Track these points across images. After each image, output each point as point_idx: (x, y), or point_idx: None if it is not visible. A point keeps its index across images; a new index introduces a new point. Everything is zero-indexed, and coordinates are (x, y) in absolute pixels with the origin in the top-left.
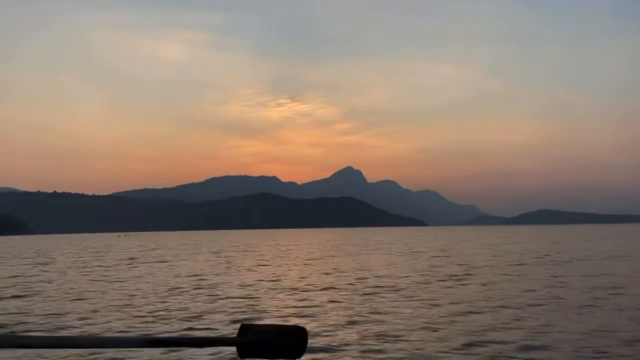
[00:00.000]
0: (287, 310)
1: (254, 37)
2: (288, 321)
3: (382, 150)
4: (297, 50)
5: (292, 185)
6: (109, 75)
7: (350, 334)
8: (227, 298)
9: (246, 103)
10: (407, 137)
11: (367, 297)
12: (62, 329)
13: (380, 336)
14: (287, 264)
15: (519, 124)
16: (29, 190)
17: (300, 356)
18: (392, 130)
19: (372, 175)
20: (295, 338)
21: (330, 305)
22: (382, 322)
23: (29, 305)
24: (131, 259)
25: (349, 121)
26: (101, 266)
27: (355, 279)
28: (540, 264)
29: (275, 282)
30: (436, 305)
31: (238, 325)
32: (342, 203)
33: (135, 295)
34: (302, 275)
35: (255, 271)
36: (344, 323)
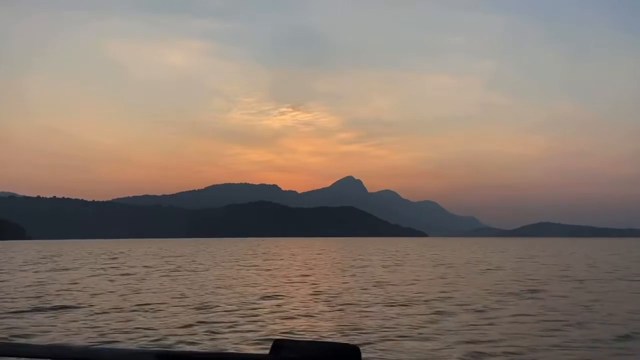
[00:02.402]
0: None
1: (256, 46)
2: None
3: (383, 160)
4: (299, 59)
5: (292, 193)
6: (110, 81)
7: None
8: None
9: (248, 111)
10: (408, 148)
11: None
12: None
13: None
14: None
15: (520, 136)
16: (28, 195)
17: None
18: (393, 141)
19: (372, 185)
20: (343, 358)
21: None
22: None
23: None
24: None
25: (351, 131)
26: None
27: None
28: (614, 280)
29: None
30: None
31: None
32: (342, 212)
33: None
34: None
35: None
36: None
